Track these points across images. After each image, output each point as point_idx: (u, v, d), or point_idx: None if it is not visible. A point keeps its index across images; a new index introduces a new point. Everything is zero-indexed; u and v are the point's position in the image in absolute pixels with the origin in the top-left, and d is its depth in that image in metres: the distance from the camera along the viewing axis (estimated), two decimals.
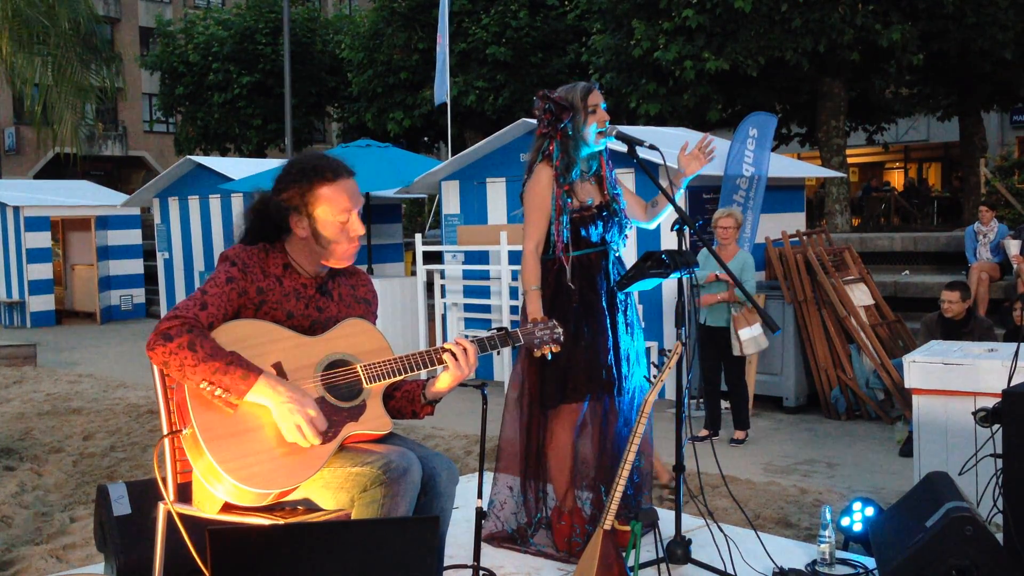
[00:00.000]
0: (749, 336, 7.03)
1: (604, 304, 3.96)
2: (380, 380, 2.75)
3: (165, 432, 2.80)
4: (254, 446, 2.58)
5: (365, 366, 2.75)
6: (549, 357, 3.11)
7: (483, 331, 7.57)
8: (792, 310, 8.29)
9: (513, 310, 8.96)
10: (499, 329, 3.01)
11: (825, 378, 8.14)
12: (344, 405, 2.71)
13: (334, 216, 2.75)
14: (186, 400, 2.58)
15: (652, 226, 4.26)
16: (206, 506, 2.73)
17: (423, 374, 2.90)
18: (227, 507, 2.72)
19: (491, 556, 3.92)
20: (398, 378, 2.78)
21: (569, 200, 3.91)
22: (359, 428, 2.73)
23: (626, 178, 8.07)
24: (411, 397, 2.91)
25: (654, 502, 5.31)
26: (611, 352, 3.95)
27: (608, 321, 3.96)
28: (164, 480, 2.82)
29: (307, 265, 2.83)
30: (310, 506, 2.74)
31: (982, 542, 3.24)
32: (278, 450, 2.60)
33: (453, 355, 2.82)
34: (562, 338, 3.07)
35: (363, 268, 12.64)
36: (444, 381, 2.86)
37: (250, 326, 2.68)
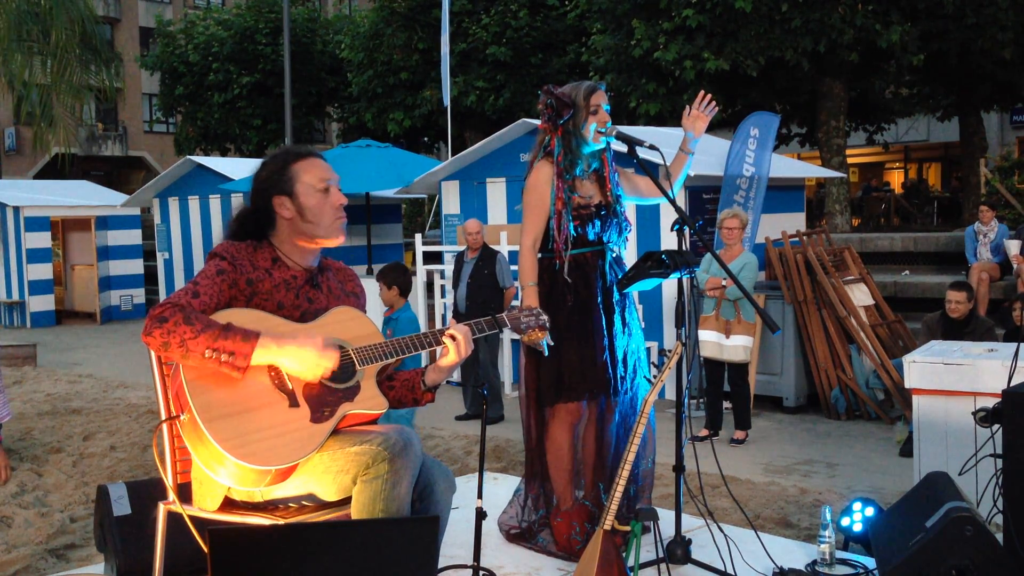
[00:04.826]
0: (737, 344, 7.05)
1: (599, 303, 3.95)
2: (372, 362, 2.82)
3: (163, 417, 2.82)
4: (253, 424, 2.61)
5: (357, 349, 2.81)
6: (541, 347, 3.17)
7: None
8: (792, 310, 8.29)
9: (513, 310, 8.96)
10: (487, 315, 3.13)
11: (825, 378, 8.14)
12: (339, 386, 2.77)
13: (314, 186, 2.83)
14: (183, 385, 2.61)
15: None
16: (207, 502, 2.76)
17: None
18: (226, 504, 2.74)
19: (491, 556, 3.92)
20: (390, 360, 2.84)
21: (576, 194, 3.91)
22: (355, 408, 2.78)
23: None
24: (411, 385, 2.98)
25: (653, 502, 5.32)
26: (606, 351, 3.94)
27: (604, 321, 3.95)
28: (164, 470, 2.84)
29: (297, 257, 2.87)
30: (313, 502, 2.75)
31: (982, 542, 3.24)
32: (277, 428, 2.64)
33: (453, 338, 2.89)
34: (547, 324, 3.17)
35: (363, 268, 12.61)
36: (443, 366, 2.94)
37: (242, 314, 2.72)
